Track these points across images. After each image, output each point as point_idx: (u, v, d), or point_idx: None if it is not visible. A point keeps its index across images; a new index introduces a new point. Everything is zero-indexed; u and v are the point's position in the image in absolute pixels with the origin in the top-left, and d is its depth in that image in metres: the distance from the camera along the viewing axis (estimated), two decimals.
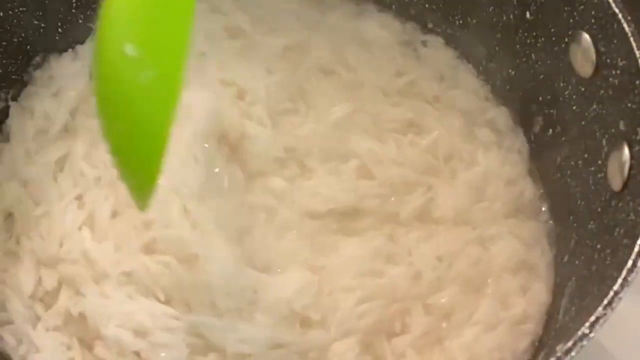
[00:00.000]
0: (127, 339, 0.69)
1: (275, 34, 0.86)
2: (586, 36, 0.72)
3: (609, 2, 0.69)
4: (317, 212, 0.76)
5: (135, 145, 0.52)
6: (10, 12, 0.79)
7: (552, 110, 0.80)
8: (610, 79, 0.70)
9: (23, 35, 0.81)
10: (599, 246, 0.69)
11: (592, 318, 0.58)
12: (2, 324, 0.73)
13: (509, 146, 0.84)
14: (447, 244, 0.76)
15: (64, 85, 0.82)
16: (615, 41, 0.68)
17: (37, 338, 0.71)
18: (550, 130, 0.81)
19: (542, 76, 0.80)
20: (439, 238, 0.77)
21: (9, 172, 0.78)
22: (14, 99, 0.82)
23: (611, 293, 0.59)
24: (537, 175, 0.83)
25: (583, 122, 0.75)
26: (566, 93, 0.77)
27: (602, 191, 0.71)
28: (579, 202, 0.76)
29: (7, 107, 0.82)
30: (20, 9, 0.79)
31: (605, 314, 0.58)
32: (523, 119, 0.84)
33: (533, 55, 0.80)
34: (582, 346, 0.57)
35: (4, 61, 0.80)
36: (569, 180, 0.78)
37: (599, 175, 0.71)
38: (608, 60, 0.70)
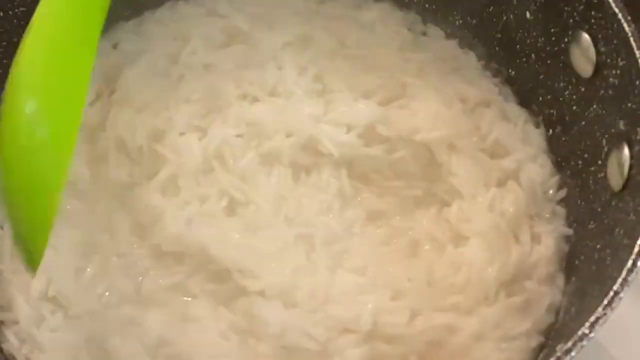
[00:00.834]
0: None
1: (274, 30, 0.86)
2: (586, 36, 0.72)
3: (609, 2, 0.69)
4: None
5: (29, 203, 0.55)
6: (10, 12, 0.79)
7: (552, 110, 0.80)
8: (610, 79, 0.70)
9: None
10: (599, 246, 0.69)
11: (592, 318, 0.58)
12: (8, 324, 0.73)
13: None
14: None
15: None
16: (615, 41, 0.68)
17: (41, 338, 0.71)
18: (550, 131, 0.81)
19: (542, 76, 0.80)
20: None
21: None
22: None
23: (611, 293, 0.59)
24: None
25: (583, 122, 0.75)
26: (566, 93, 0.77)
27: (602, 191, 0.71)
28: (578, 202, 0.76)
29: None
30: (21, 8, 0.79)
31: (605, 314, 0.59)
32: None
33: (533, 55, 0.80)
34: (582, 346, 0.58)
35: (4, 61, 0.80)
36: (568, 180, 0.78)
37: (599, 175, 0.72)
38: (608, 60, 0.70)
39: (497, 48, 0.85)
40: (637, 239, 0.61)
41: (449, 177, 0.79)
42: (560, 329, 0.71)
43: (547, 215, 0.78)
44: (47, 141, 0.56)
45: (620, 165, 0.68)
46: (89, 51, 0.59)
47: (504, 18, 0.82)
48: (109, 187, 0.78)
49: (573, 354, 0.57)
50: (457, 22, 0.87)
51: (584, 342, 0.58)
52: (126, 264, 0.75)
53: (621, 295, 0.59)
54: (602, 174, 0.71)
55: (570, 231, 0.77)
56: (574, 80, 0.75)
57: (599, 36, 0.70)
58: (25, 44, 0.58)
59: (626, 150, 0.67)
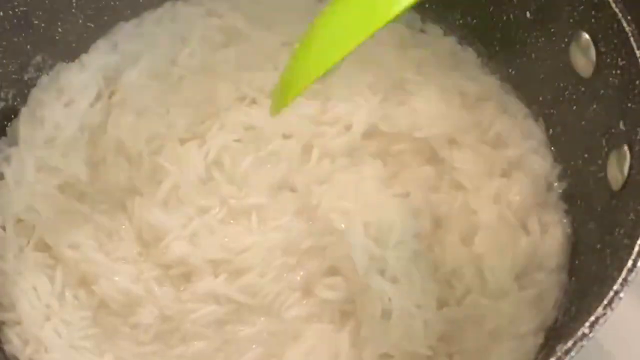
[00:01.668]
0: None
1: (272, 30, 0.86)
2: (586, 36, 0.72)
3: (609, 2, 0.69)
4: None
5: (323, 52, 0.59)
6: (10, 12, 0.79)
7: (552, 110, 0.80)
8: (611, 79, 0.70)
9: (23, 34, 0.81)
10: (598, 246, 0.69)
11: (592, 318, 0.58)
12: (10, 325, 0.74)
13: None
14: None
15: (74, 97, 0.83)
16: (615, 41, 0.68)
17: (45, 338, 0.72)
18: (551, 130, 0.81)
19: (542, 76, 0.80)
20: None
21: (20, 177, 0.79)
22: (15, 99, 0.83)
23: (611, 293, 0.59)
24: None
25: (583, 122, 0.75)
26: (566, 93, 0.77)
27: (602, 191, 0.71)
28: (578, 202, 0.76)
29: (9, 107, 0.82)
30: (21, 8, 0.79)
31: (605, 314, 0.59)
32: None
33: (533, 55, 0.80)
34: (582, 346, 0.58)
35: (4, 61, 0.80)
36: (569, 179, 0.78)
37: (599, 175, 0.72)
38: (608, 60, 0.70)
39: (497, 48, 0.85)
40: (637, 238, 0.61)
41: (452, 171, 0.79)
42: (560, 329, 0.71)
43: (553, 206, 0.78)
44: None
45: (620, 165, 0.68)
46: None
47: (504, 18, 0.82)
48: (109, 190, 0.79)
49: (573, 353, 0.57)
50: (457, 22, 0.87)
51: (584, 342, 0.58)
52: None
53: (621, 295, 0.59)
54: (602, 174, 0.71)
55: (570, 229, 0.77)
56: (574, 80, 0.75)
57: (599, 36, 0.70)
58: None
59: (626, 150, 0.67)
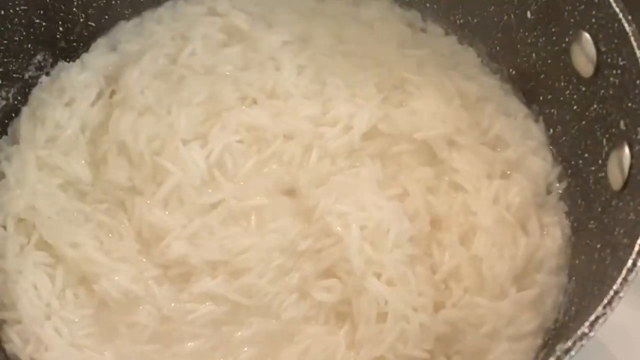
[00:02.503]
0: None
1: (273, 29, 0.86)
2: (587, 36, 0.72)
3: (609, 2, 0.69)
4: None
5: None
6: (11, 11, 0.79)
7: (552, 110, 0.80)
8: (611, 79, 0.70)
9: (24, 33, 0.81)
10: (599, 246, 0.69)
11: (592, 318, 0.58)
12: (10, 324, 0.74)
13: None
14: None
15: (75, 96, 0.83)
16: (615, 41, 0.68)
17: (46, 337, 0.72)
18: (551, 130, 0.81)
19: (542, 76, 0.80)
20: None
21: (21, 176, 0.79)
22: (16, 98, 0.83)
23: (611, 293, 0.59)
24: None
25: (583, 122, 0.75)
26: (567, 93, 0.77)
27: (603, 191, 0.71)
28: (579, 201, 0.76)
29: (9, 106, 0.82)
30: (22, 7, 0.79)
31: (605, 314, 0.59)
32: None
33: (534, 55, 0.80)
34: (581, 345, 0.58)
35: (5, 60, 0.80)
36: (569, 179, 0.78)
37: (599, 175, 0.72)
38: (609, 60, 0.70)
39: (497, 47, 0.85)
40: (637, 238, 0.61)
41: (451, 173, 0.79)
42: (560, 329, 0.71)
43: (552, 207, 0.78)
44: None
45: (621, 164, 0.68)
46: None
47: (505, 17, 0.82)
48: (110, 190, 0.79)
49: (573, 353, 0.57)
50: (457, 21, 0.87)
51: (584, 342, 0.58)
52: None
53: (621, 294, 0.59)
54: (603, 174, 0.71)
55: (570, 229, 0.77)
56: (574, 80, 0.75)
57: (600, 36, 0.70)
58: None
59: (626, 150, 0.67)
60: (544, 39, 0.78)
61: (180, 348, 0.73)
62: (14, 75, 0.82)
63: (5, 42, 0.80)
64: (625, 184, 0.67)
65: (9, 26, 0.79)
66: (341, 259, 0.73)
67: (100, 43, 0.87)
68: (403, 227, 0.75)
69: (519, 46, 0.82)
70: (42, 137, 0.81)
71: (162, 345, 0.73)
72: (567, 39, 0.75)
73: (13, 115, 0.83)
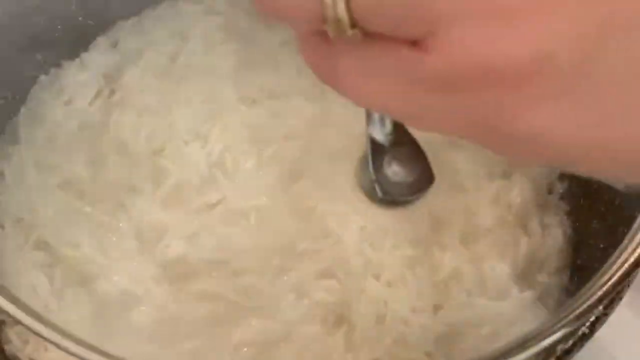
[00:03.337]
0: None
1: (273, 29, 0.85)
2: None
3: None
4: None
5: None
6: (9, 9, 0.79)
7: None
8: None
9: (22, 32, 0.81)
10: (602, 246, 0.69)
11: (592, 318, 0.58)
12: (10, 325, 0.73)
13: None
14: None
15: (75, 96, 0.83)
16: None
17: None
18: None
19: None
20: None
21: (19, 176, 0.80)
22: (14, 97, 0.83)
23: (612, 293, 0.58)
24: None
25: None
26: None
27: (605, 190, 0.70)
28: (581, 201, 0.76)
29: (8, 105, 0.82)
30: (20, 6, 0.79)
31: (606, 314, 0.58)
32: None
33: None
34: (582, 346, 0.57)
35: (3, 59, 0.81)
36: (570, 179, 0.78)
37: None
38: None
39: None
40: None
41: (452, 173, 0.78)
42: (560, 329, 0.70)
43: (554, 207, 0.78)
44: None
45: None
46: None
47: None
48: (109, 189, 0.79)
49: (573, 353, 0.57)
50: None
51: (584, 342, 0.57)
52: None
53: (622, 295, 0.59)
54: None
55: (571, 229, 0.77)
56: None
57: None
58: None
59: None
60: None
61: (179, 348, 0.72)
62: (13, 74, 0.82)
63: (3, 41, 0.80)
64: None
65: (7, 25, 0.79)
66: (340, 260, 0.73)
67: (100, 42, 0.87)
68: (405, 227, 0.74)
69: None
70: (41, 136, 0.81)
71: (161, 345, 0.73)
72: None
73: (12, 115, 0.83)
